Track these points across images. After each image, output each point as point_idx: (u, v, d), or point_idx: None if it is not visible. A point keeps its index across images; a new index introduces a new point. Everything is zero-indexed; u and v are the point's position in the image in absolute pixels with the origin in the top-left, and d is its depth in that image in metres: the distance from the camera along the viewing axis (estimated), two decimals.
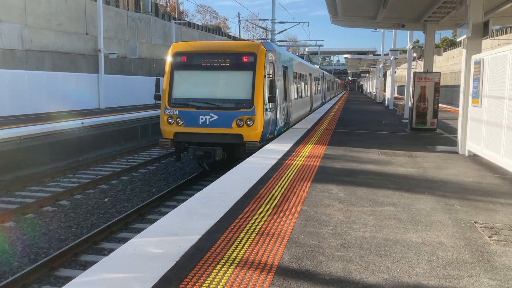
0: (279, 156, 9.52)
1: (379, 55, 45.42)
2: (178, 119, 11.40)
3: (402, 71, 64.90)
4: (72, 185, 12.38)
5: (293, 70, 15.88)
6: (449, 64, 51.77)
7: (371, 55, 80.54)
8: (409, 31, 20.28)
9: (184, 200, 10.36)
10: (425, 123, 15.31)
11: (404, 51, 38.04)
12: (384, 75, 41.05)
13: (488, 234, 4.87)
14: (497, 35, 37.63)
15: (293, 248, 4.33)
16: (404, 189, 6.86)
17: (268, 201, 5.98)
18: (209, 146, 11.39)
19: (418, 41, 40.67)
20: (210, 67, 11.56)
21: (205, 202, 5.82)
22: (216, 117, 11.21)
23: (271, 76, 11.75)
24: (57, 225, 9.03)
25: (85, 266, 7.16)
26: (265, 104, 11.50)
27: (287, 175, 7.68)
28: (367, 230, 4.92)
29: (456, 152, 10.81)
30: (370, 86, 60.85)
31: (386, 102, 33.96)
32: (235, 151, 11.70)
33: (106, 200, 10.99)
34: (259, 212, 5.47)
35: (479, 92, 9.31)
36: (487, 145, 8.83)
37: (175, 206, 9.60)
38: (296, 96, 16.49)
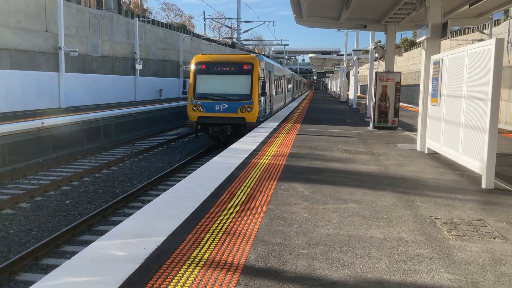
0: (245, 155, 9.53)
1: (343, 55, 45.96)
2: (201, 107, 16.90)
3: (364, 70, 66.17)
4: (32, 187, 12.00)
5: (273, 73, 22.04)
6: (409, 64, 53.13)
7: (335, 55, 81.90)
8: (371, 32, 20.75)
9: (149, 201, 10.23)
10: (387, 121, 15.70)
11: (367, 51, 38.73)
12: (348, 75, 41.21)
13: (447, 229, 5.04)
14: (455, 36, 38.83)
15: (259, 247, 4.34)
16: (367, 186, 7.00)
17: (235, 200, 5.97)
18: (222, 125, 16.89)
19: (379, 41, 41.51)
20: (222, 72, 17.28)
21: (171, 203, 5.76)
22: (226, 106, 16.84)
23: (262, 78, 17.81)
24: (17, 228, 8.74)
25: (46, 270, 6.96)
26: (259, 97, 17.29)
27: (254, 174, 7.70)
28: (332, 227, 4.99)
29: (416, 150, 11.12)
30: (334, 85, 61.59)
31: (350, 101, 34.62)
32: (240, 128, 16.89)
33: (67, 202, 10.72)
34: (225, 212, 5.46)
35: (438, 91, 9.61)
36: (446, 143, 9.12)
37: (140, 207, 9.47)
38: (275, 93, 22.93)
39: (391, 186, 7.03)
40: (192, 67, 17.53)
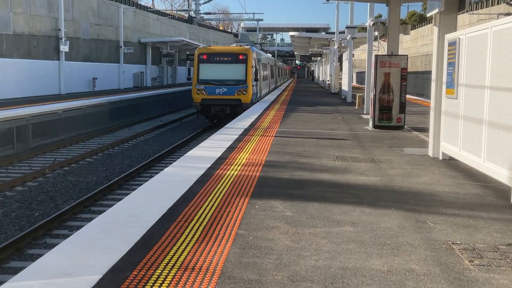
0: (208, 165, 9.52)
1: (333, 33, 46.44)
2: (204, 91, 25.89)
3: (361, 53, 66.17)
4: None
5: (261, 62, 32.66)
6: (418, 45, 53.92)
7: (324, 33, 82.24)
8: (369, 4, 21.05)
9: (79, 227, 10.08)
10: (390, 119, 15.97)
11: (364, 29, 39.20)
12: (340, 59, 41.46)
13: (469, 257, 5.14)
14: (476, 9, 39.43)
15: (226, 286, 4.33)
16: (366, 203, 7.09)
17: (194, 225, 5.95)
18: (222, 106, 25.84)
19: (380, 16, 42.14)
20: (221, 61, 26.65)
21: (109, 229, 5.70)
22: (225, 89, 25.95)
23: (254, 67, 27.32)
24: None
25: None
26: (252, 82, 26.55)
27: (219, 189, 7.69)
28: (321, 257, 5.03)
29: (428, 156, 11.31)
30: (323, 72, 61.41)
31: (343, 93, 35.01)
32: (237, 108, 25.36)
33: None
34: (181, 240, 5.43)
35: (455, 80, 9.81)
36: (465, 146, 9.31)
37: (67, 236, 9.32)
38: (263, 79, 33.73)
39: (396, 203, 7.13)
40: (196, 57, 26.85)
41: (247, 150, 11.35)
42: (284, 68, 77.31)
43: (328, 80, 46.39)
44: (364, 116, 19.90)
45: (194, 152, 11.11)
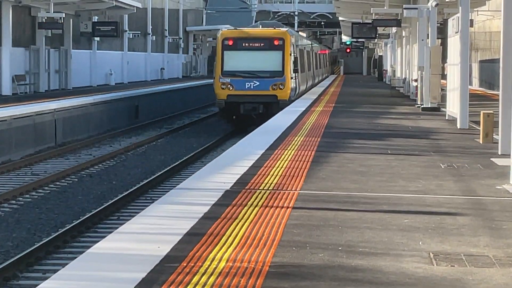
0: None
1: None
2: (230, 85, 22.29)
3: (489, 20, 35.82)
4: None
5: (299, 48, 27.39)
6: None
7: None
8: None
9: None
10: None
11: None
12: (443, 32, 25.40)
13: None
14: None
15: None
16: None
17: None
18: (253, 103, 22.39)
19: None
20: (251, 48, 22.83)
21: None
22: (257, 83, 22.31)
23: (293, 54, 23.45)
24: None
25: None
26: (291, 74, 22.94)
27: None
28: None
29: None
30: (401, 62, 35.01)
31: (449, 111, 18.37)
32: (272, 107, 21.71)
33: None
34: None
35: None
36: None
37: None
38: (303, 70, 28.69)
39: None
40: (220, 43, 22.83)
41: (225, 244, 5.67)
42: (319, 55, 44.91)
43: (415, 81, 24.78)
44: (498, 161, 10.99)
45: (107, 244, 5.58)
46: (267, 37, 22.65)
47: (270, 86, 21.93)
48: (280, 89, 21.95)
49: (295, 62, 23.17)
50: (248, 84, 21.89)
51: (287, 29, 24.83)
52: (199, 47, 55.89)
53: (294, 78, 23.40)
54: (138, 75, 43.69)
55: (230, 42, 22.34)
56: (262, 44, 22.43)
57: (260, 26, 26.89)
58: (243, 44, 22.53)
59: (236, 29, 23.97)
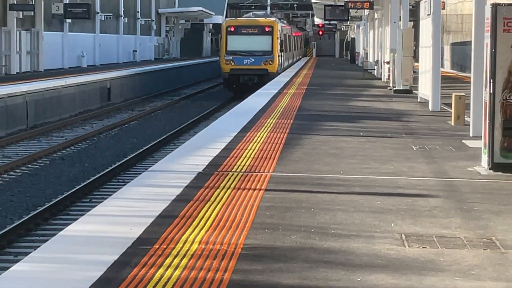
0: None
1: None
2: (232, 61, 30.60)
3: (461, 2, 36.07)
4: None
5: (282, 33, 35.22)
6: None
7: None
8: None
9: None
10: None
11: None
12: (415, 14, 25.54)
13: None
14: None
15: None
16: None
17: None
18: (250, 75, 30.59)
19: None
20: (248, 33, 31.46)
21: None
22: (253, 59, 30.82)
23: (279, 38, 32.16)
24: None
25: None
26: (278, 53, 31.74)
27: None
28: None
29: None
30: (373, 45, 35.22)
31: (421, 93, 18.58)
32: (264, 77, 29.05)
33: None
34: None
35: None
36: None
37: None
38: (285, 50, 36.93)
39: None
40: (224, 29, 30.82)
41: (197, 226, 5.59)
42: (295, 37, 48.90)
43: (387, 63, 24.89)
44: (469, 143, 11.13)
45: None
46: (260, 25, 31.20)
47: (262, 62, 29.83)
48: (270, 64, 29.92)
49: (281, 44, 31.50)
50: (246, 61, 29.89)
51: (275, 19, 33.36)
52: (172, 29, 55.72)
53: (280, 56, 31.45)
54: (110, 57, 43.35)
55: (232, 29, 30.70)
56: (256, 30, 30.77)
57: (252, 15, 35.98)
58: (242, 30, 30.69)
59: (236, 19, 33.41)
